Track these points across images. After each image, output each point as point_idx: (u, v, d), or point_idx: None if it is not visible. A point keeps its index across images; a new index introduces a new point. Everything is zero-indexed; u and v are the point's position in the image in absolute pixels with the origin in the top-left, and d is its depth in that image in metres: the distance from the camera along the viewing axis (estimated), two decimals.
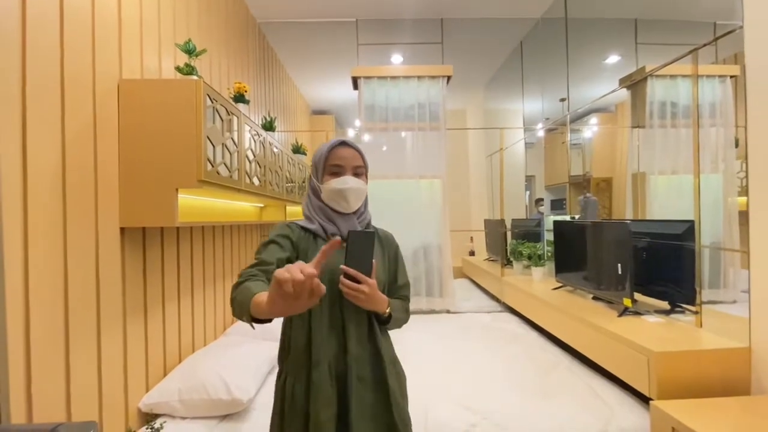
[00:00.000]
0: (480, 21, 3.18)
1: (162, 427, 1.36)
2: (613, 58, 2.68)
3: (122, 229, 1.42)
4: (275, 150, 2.41)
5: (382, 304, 0.89)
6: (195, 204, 1.76)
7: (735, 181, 1.79)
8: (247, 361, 1.72)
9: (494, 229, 3.76)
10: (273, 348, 1.96)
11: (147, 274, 1.58)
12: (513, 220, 3.73)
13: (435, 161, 3.01)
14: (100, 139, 1.32)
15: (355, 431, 0.87)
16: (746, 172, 1.44)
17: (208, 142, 1.46)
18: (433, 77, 2.96)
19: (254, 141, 1.99)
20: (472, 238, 4.79)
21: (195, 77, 1.50)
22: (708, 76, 1.86)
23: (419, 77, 2.95)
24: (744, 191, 1.45)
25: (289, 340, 0.93)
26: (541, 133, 3.64)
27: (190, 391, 1.50)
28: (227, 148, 1.63)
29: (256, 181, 1.98)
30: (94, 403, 1.28)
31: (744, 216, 1.45)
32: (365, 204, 1.02)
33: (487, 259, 4.13)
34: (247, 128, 1.90)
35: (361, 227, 0.98)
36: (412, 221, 2.99)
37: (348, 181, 0.94)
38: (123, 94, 1.40)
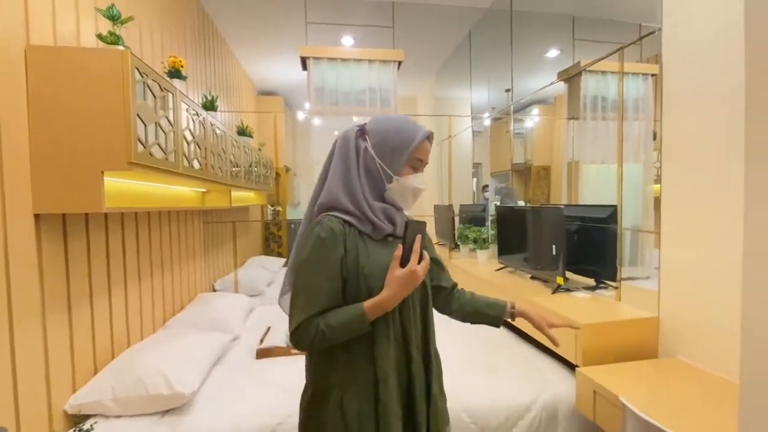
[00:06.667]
0: (430, 7, 3.19)
1: (92, 428, 1.26)
2: (553, 52, 2.82)
3: (37, 216, 1.27)
4: (218, 131, 2.27)
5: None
6: (127, 188, 1.61)
7: (652, 171, 1.99)
8: (190, 353, 1.65)
9: (443, 214, 3.87)
10: (219, 339, 1.89)
11: (70, 264, 1.43)
12: (461, 205, 3.87)
13: None
14: (2, 113, 1.15)
15: None
16: (660, 162, 1.61)
17: (139, 120, 1.34)
18: (384, 61, 2.93)
19: (193, 121, 1.86)
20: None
21: (121, 47, 1.36)
22: (633, 74, 2.02)
23: (370, 61, 2.91)
24: (659, 179, 1.62)
25: (345, 352, 0.80)
26: (487, 122, 3.78)
27: (125, 387, 1.40)
28: (161, 128, 1.51)
29: (196, 164, 1.86)
30: (8, 406, 1.15)
31: (658, 201, 1.63)
32: None
33: (436, 243, 4.26)
34: (185, 107, 1.77)
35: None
36: None
37: (423, 181, 0.87)
38: (32, 63, 1.23)
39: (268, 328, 2.21)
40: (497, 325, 1.00)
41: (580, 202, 2.40)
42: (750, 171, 0.45)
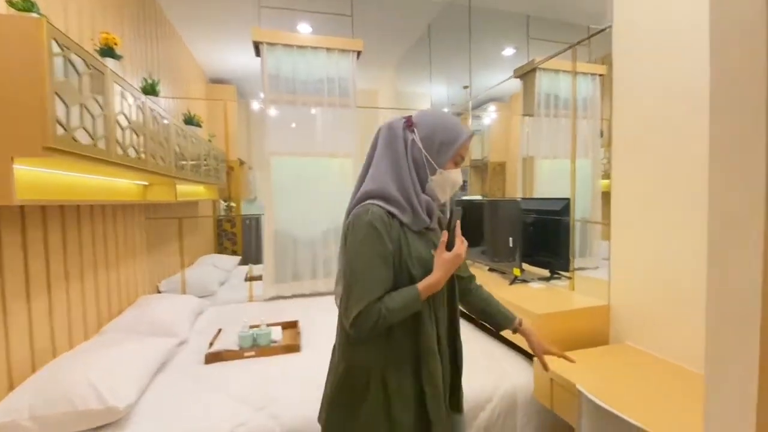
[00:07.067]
0: None
1: None
2: (509, 50, 2.88)
3: None
4: (160, 118, 2.08)
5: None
6: (49, 178, 1.42)
7: (600, 166, 2.08)
8: (128, 362, 1.49)
9: None
10: (162, 344, 1.73)
11: None
12: None
13: (346, 139, 2.93)
14: None
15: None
16: (608, 158, 1.67)
17: (59, 100, 1.17)
18: (342, 51, 2.84)
19: (129, 105, 1.68)
20: None
21: (35, 15, 1.18)
22: (583, 74, 2.10)
23: (328, 49, 2.81)
24: (606, 175, 1.69)
25: (386, 331, 0.86)
26: None
27: (46, 405, 1.23)
28: (89, 111, 1.33)
29: (132, 152, 1.68)
30: None
31: (606, 196, 1.69)
32: None
33: None
34: (119, 89, 1.58)
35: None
36: (321, 201, 2.88)
37: (462, 175, 0.94)
38: None
39: (219, 330, 2.07)
40: (498, 331, 1.14)
41: (535, 196, 2.47)
42: (714, 161, 0.44)
